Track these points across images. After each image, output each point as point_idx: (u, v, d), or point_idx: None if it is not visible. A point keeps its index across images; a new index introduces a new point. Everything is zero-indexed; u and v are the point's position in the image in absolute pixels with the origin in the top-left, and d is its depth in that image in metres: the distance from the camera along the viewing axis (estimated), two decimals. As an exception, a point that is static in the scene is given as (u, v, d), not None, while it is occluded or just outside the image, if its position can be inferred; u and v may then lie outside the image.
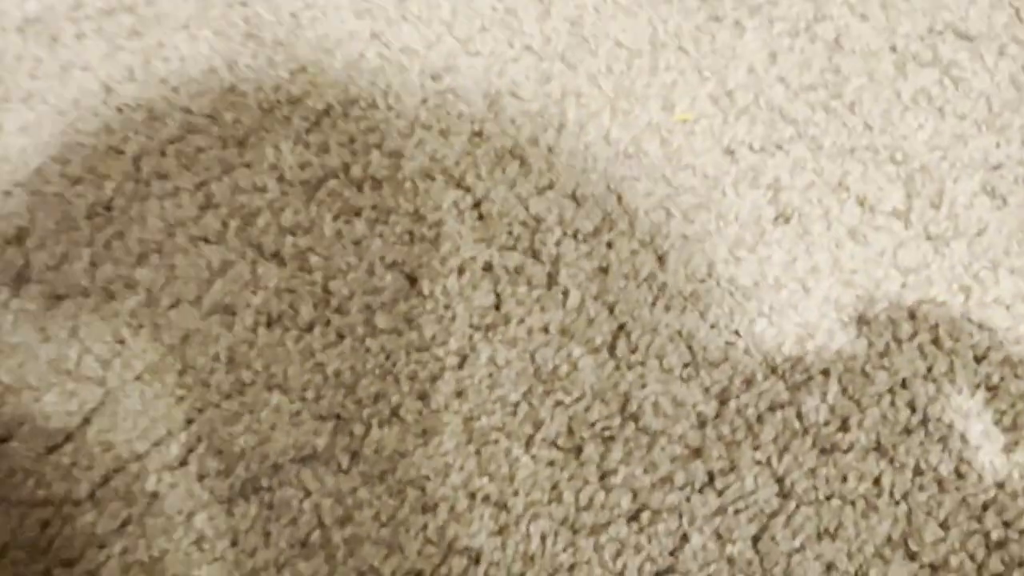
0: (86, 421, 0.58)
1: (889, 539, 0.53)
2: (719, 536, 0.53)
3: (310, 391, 0.58)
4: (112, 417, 0.58)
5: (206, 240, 0.64)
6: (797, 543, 0.53)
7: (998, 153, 0.63)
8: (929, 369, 0.56)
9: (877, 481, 0.54)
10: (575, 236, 0.62)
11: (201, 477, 0.56)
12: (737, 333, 0.58)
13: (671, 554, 0.53)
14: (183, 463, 0.57)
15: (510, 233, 0.62)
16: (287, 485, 0.56)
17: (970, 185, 0.62)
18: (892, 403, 0.55)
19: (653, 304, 0.59)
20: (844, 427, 0.55)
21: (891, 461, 0.54)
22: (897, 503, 0.53)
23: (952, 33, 0.68)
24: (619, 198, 0.63)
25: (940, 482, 0.53)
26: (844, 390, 0.56)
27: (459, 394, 0.58)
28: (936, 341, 0.57)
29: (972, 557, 0.52)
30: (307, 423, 0.57)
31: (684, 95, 0.66)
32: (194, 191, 0.66)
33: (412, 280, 0.62)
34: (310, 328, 0.60)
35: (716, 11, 0.70)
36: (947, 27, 0.68)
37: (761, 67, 0.67)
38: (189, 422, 0.58)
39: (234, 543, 0.54)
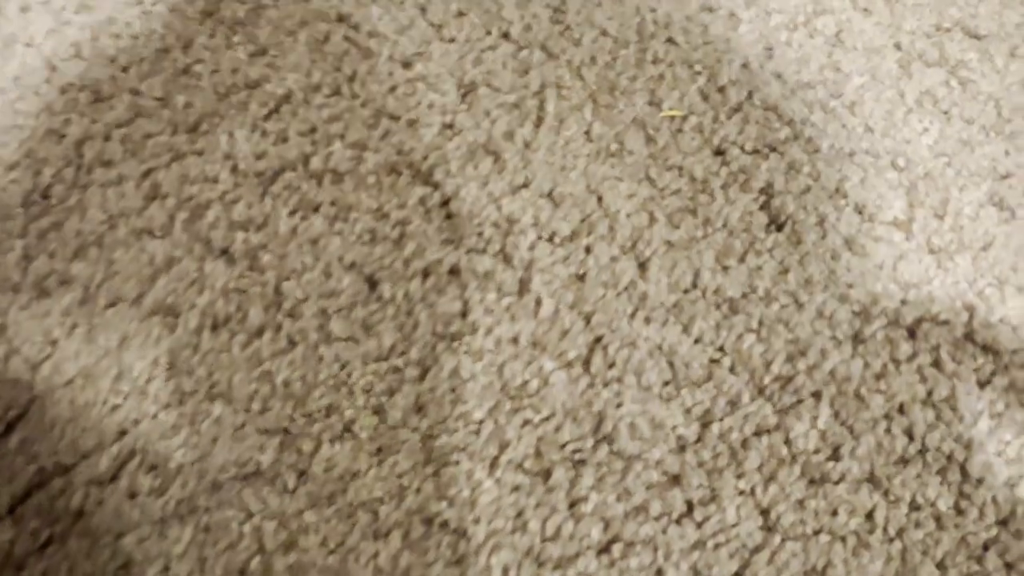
0: (9, 428, 0.53)
1: (882, 580, 0.48)
2: (697, 572, 0.49)
3: (256, 402, 0.53)
4: (38, 425, 0.53)
5: (150, 234, 0.59)
6: (781, 582, 0.48)
7: (1007, 161, 0.58)
8: (929, 394, 0.52)
9: (870, 515, 0.49)
10: (551, 239, 0.57)
11: (132, 495, 0.51)
12: (722, 349, 0.54)
13: (644, 591, 0.48)
14: (113, 478, 0.52)
15: (480, 235, 0.57)
16: (226, 506, 0.51)
17: (976, 195, 0.57)
18: (888, 430, 0.51)
19: (632, 316, 0.55)
20: (835, 455, 0.51)
21: (885, 494, 0.50)
22: (891, 540, 0.49)
23: (961, 31, 0.63)
24: (599, 199, 0.58)
25: (938, 518, 0.49)
26: (836, 415, 0.52)
27: (418, 409, 0.53)
28: (937, 363, 0.53)
29: (971, 601, 0.48)
30: (251, 437, 0.52)
31: (672, 90, 0.62)
32: (140, 180, 0.60)
33: (372, 283, 0.57)
34: (259, 333, 0.55)
35: (709, 0, 0.65)
36: (956, 24, 0.63)
37: (756, 62, 0.62)
38: (122, 433, 0.53)
39: (166, 569, 0.50)
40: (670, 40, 0.64)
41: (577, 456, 0.51)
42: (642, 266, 0.56)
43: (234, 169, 0.60)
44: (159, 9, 0.67)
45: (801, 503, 0.50)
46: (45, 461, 0.52)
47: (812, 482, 0.50)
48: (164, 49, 0.65)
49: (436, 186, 0.59)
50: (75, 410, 0.54)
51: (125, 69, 0.65)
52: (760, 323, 0.54)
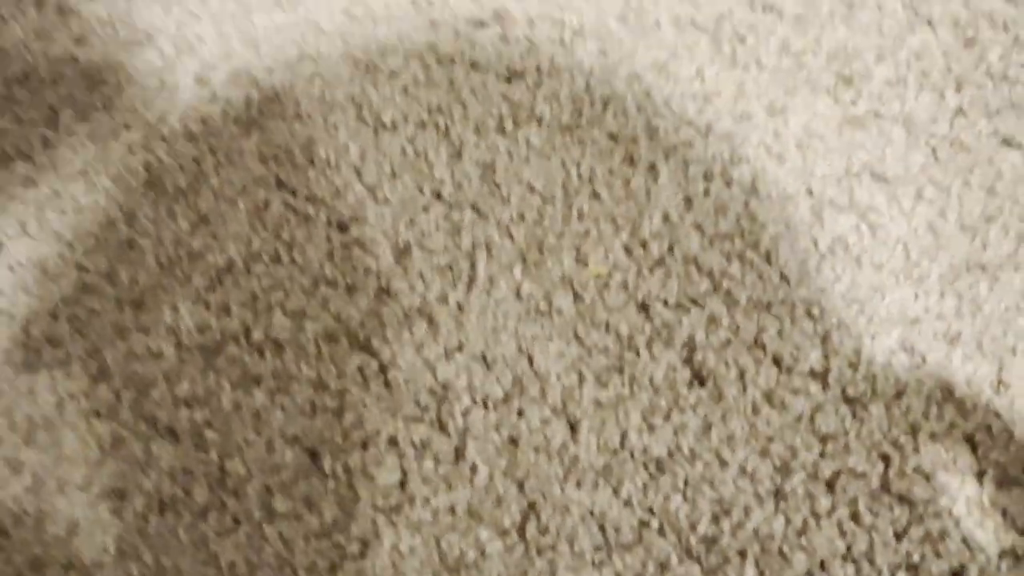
0: (-38, 626, 0.55)
1: None
2: None
3: (202, 587, 0.55)
4: (-10, 620, 0.55)
5: (98, 415, 0.61)
6: None
7: (916, 306, 0.61)
8: (848, 548, 0.54)
9: (796, 675, 0.51)
10: (484, 404, 0.59)
11: None
12: (651, 511, 0.56)
13: None
14: (65, 673, 0.53)
15: (417, 402, 0.60)
16: None
17: (888, 342, 0.60)
18: (810, 587, 0.53)
19: (564, 479, 0.57)
20: (761, 616, 0.53)
21: (810, 653, 0.52)
22: None
23: (869, 175, 0.66)
24: (530, 360, 0.61)
25: (860, 676, 0.51)
26: (761, 574, 0.54)
27: (360, 587, 0.55)
28: (855, 516, 0.55)
29: None
30: (198, 623, 0.54)
31: (598, 245, 0.64)
32: (87, 359, 0.62)
33: (314, 456, 0.59)
34: (204, 514, 0.57)
35: (631, 152, 0.68)
36: (864, 168, 0.67)
37: (676, 214, 0.65)
38: (73, 625, 0.54)
39: None
40: (594, 195, 0.66)
41: (514, 628, 0.53)
42: (572, 427, 0.59)
43: (178, 344, 0.62)
44: (103, 181, 0.69)
45: (729, 666, 0.52)
46: (-3, 659, 0.54)
47: (740, 643, 0.52)
48: (108, 222, 0.68)
49: (373, 353, 0.62)
50: (26, 603, 0.55)
51: (71, 244, 0.67)
52: (686, 483, 0.56)
